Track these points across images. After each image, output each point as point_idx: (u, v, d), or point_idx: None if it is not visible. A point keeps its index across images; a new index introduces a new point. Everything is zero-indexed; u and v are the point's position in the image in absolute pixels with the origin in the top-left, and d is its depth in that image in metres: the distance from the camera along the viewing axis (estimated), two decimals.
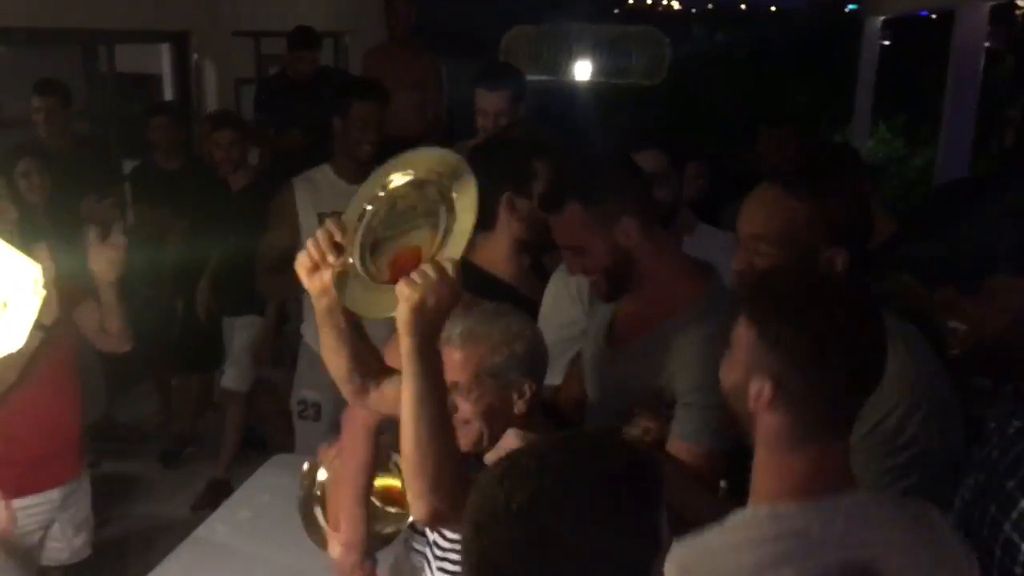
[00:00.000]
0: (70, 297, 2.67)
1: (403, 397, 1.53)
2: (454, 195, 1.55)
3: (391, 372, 1.77)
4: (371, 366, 1.78)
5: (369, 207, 1.61)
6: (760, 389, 1.29)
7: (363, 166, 3.27)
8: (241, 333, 4.30)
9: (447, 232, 1.55)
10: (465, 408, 1.75)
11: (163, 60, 5.95)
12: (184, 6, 5.59)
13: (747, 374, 1.32)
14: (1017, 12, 4.42)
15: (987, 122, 4.77)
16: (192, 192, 4.36)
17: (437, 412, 1.53)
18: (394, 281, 1.52)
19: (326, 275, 1.61)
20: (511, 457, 1.13)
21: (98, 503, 3.02)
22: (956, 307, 1.42)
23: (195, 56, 5.93)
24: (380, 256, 1.59)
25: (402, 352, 1.52)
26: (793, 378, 1.28)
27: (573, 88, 6.94)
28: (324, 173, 3.30)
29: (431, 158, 1.62)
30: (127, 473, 4.46)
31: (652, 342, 1.85)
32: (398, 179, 1.61)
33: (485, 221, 2.22)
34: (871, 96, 7.94)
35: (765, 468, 1.34)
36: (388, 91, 3.45)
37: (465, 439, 1.72)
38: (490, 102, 3.19)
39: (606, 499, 1.04)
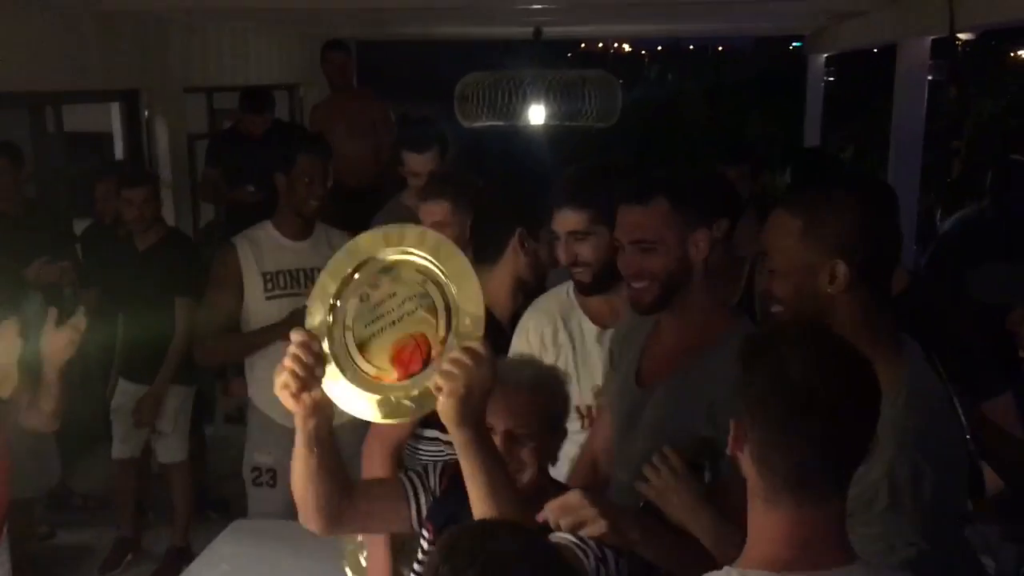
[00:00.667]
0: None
1: (473, 494, 1.46)
2: (440, 269, 1.47)
3: (370, 487, 1.77)
4: (346, 486, 1.67)
5: (335, 306, 1.52)
6: (735, 431, 1.24)
7: (307, 222, 3.24)
8: (166, 403, 4.06)
9: (451, 309, 1.45)
10: (523, 454, 1.71)
11: (113, 118, 5.88)
12: (134, 64, 5.55)
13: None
14: (958, 44, 4.54)
15: (934, 153, 4.85)
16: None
17: (510, 493, 1.48)
18: (404, 376, 1.43)
19: (316, 393, 1.48)
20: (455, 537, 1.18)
21: (53, 575, 2.90)
22: None
23: (146, 113, 5.88)
24: (369, 355, 1.48)
25: (458, 447, 1.45)
26: (756, 431, 1.21)
27: (528, 132, 6.98)
28: (266, 231, 3.25)
29: (392, 238, 1.53)
30: (83, 543, 4.32)
31: (685, 379, 1.85)
32: (366, 270, 1.53)
33: (490, 254, 2.31)
34: (819, 130, 8.09)
35: (749, 525, 1.26)
36: (330, 145, 3.44)
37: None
38: (420, 164, 3.23)
39: None
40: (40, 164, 5.61)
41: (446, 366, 1.40)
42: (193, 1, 5.03)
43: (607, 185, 2.13)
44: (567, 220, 2.16)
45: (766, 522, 1.22)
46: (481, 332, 1.44)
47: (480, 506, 1.47)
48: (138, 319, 3.95)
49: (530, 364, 1.90)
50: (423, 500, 1.78)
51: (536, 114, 6.79)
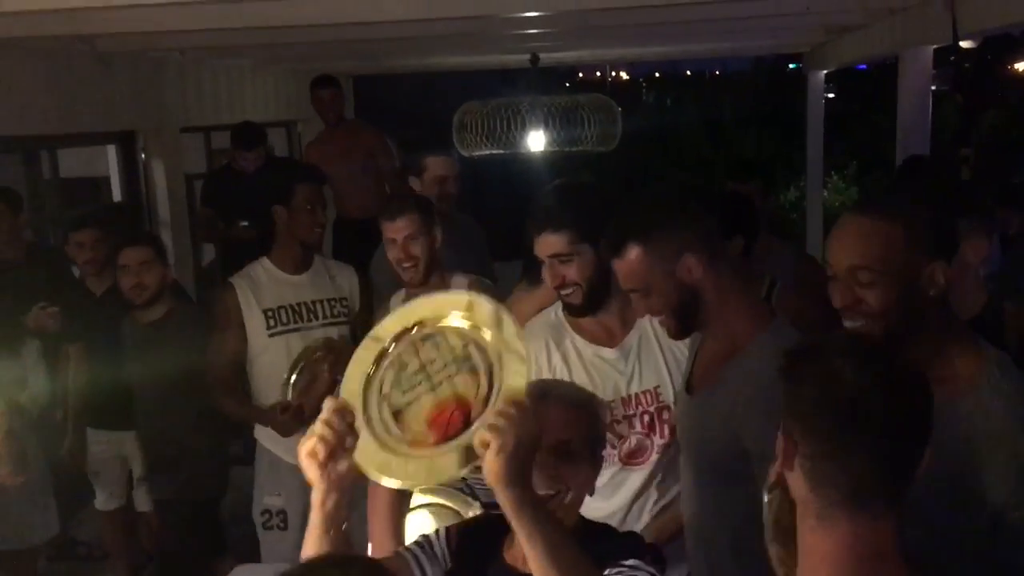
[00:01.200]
0: None
1: (534, 558, 1.35)
2: (485, 332, 1.42)
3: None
4: None
5: (371, 375, 1.47)
6: (785, 446, 1.20)
7: (307, 254, 3.18)
8: (124, 449, 3.95)
9: (492, 367, 1.39)
10: (568, 473, 1.64)
11: (110, 161, 5.84)
12: (130, 105, 5.52)
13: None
14: (960, 52, 4.50)
15: (941, 162, 4.78)
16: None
17: (574, 550, 1.37)
18: (442, 439, 1.36)
19: (342, 464, 1.41)
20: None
21: None
22: None
23: (143, 155, 5.84)
24: (405, 422, 1.43)
25: (509, 509, 1.36)
26: (807, 446, 1.16)
27: (527, 159, 6.94)
28: (264, 267, 3.20)
29: (430, 308, 1.50)
30: None
31: (719, 387, 1.88)
32: (406, 340, 1.48)
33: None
34: (821, 148, 8.04)
35: (800, 550, 1.21)
36: (324, 175, 3.43)
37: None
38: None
39: None
40: (36, 210, 5.58)
41: (494, 420, 1.33)
42: (187, 39, 4.98)
43: (584, 204, 2.14)
44: (548, 244, 2.13)
45: (821, 543, 1.16)
46: (523, 385, 1.37)
47: (542, 567, 1.36)
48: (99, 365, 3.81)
49: (568, 384, 1.94)
50: (432, 572, 1.67)
51: (535, 141, 6.76)
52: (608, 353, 2.19)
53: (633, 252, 1.88)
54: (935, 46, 4.70)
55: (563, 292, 2.17)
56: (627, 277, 1.92)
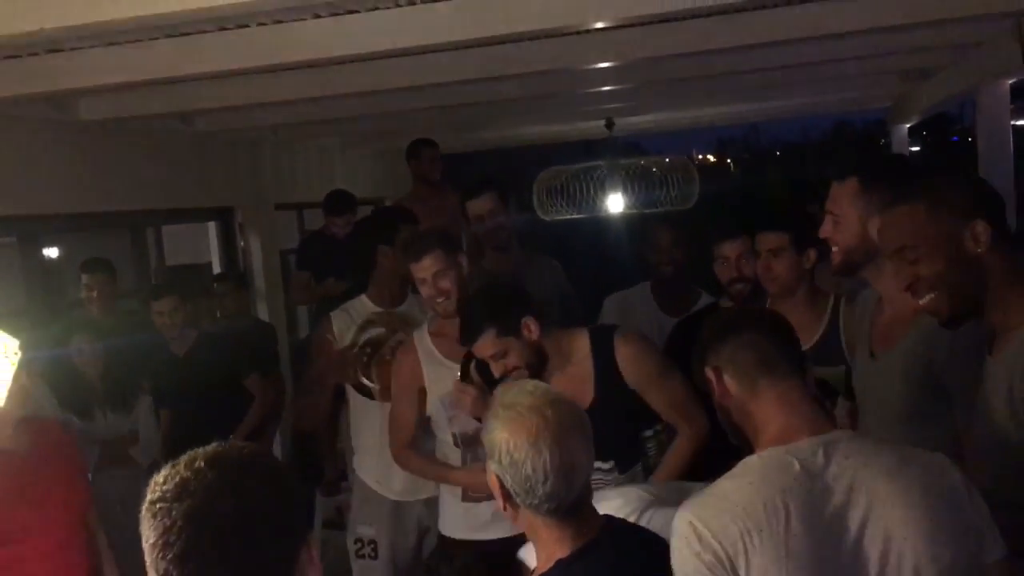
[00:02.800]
0: None
1: None
2: None
3: None
4: None
5: None
6: (715, 376, 1.69)
7: (403, 289, 3.31)
8: None
9: None
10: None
11: (210, 237, 6.18)
12: (228, 183, 5.88)
13: None
14: None
15: None
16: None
17: None
18: None
19: None
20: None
21: None
22: None
23: (240, 230, 6.18)
24: None
25: None
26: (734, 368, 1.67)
27: (607, 221, 7.03)
28: (362, 302, 3.35)
29: None
30: None
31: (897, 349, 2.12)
32: None
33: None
34: None
35: (753, 427, 1.66)
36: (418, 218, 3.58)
37: None
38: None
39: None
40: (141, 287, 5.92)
41: None
42: (278, 114, 5.31)
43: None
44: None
45: (761, 405, 1.62)
46: None
47: None
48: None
49: None
50: None
51: (614, 203, 6.87)
52: None
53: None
54: (1011, 80, 4.65)
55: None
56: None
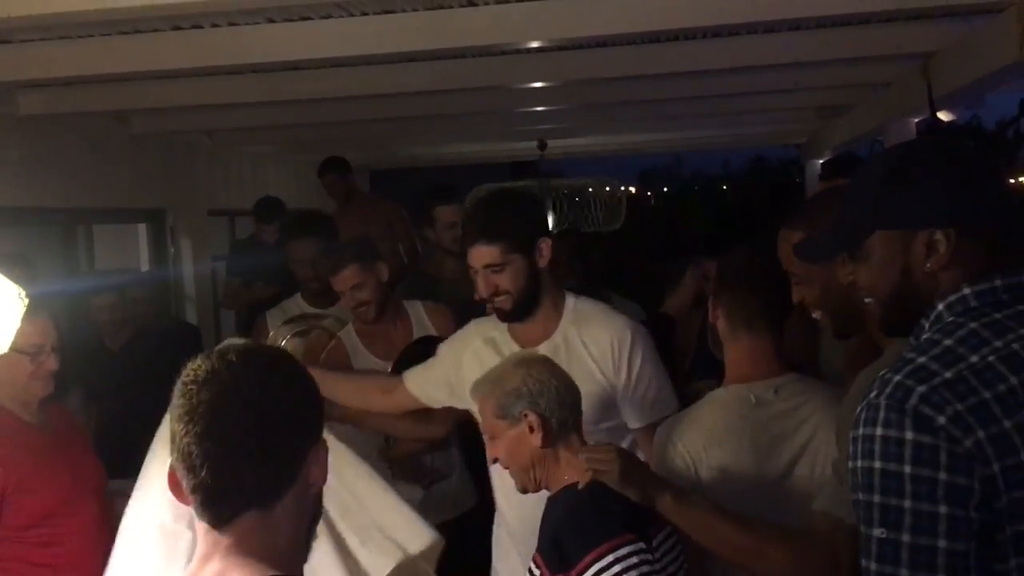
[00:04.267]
0: None
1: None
2: None
3: None
4: None
5: None
6: (712, 307, 2.17)
7: (328, 294, 3.40)
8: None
9: None
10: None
11: (139, 239, 6.14)
12: (161, 185, 5.87)
13: None
14: (942, 125, 4.78)
15: None
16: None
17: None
18: None
19: None
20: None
21: None
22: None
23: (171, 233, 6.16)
24: None
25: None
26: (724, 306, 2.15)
27: None
28: (296, 302, 3.48)
29: None
30: None
31: None
32: None
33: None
34: None
35: (726, 364, 2.15)
36: (330, 224, 3.70)
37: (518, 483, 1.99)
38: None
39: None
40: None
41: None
42: (214, 119, 5.35)
43: (516, 215, 2.38)
44: (481, 255, 2.33)
45: (736, 352, 2.12)
46: None
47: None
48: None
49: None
50: None
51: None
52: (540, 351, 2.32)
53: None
54: (917, 119, 4.99)
55: (496, 300, 2.37)
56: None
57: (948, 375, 1.18)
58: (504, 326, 2.45)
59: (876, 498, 1.17)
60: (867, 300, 1.42)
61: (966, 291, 1.27)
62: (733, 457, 2.00)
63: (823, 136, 7.56)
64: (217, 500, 1.15)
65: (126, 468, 4.04)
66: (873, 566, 1.17)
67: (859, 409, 1.22)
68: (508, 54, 4.07)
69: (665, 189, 24.37)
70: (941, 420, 1.14)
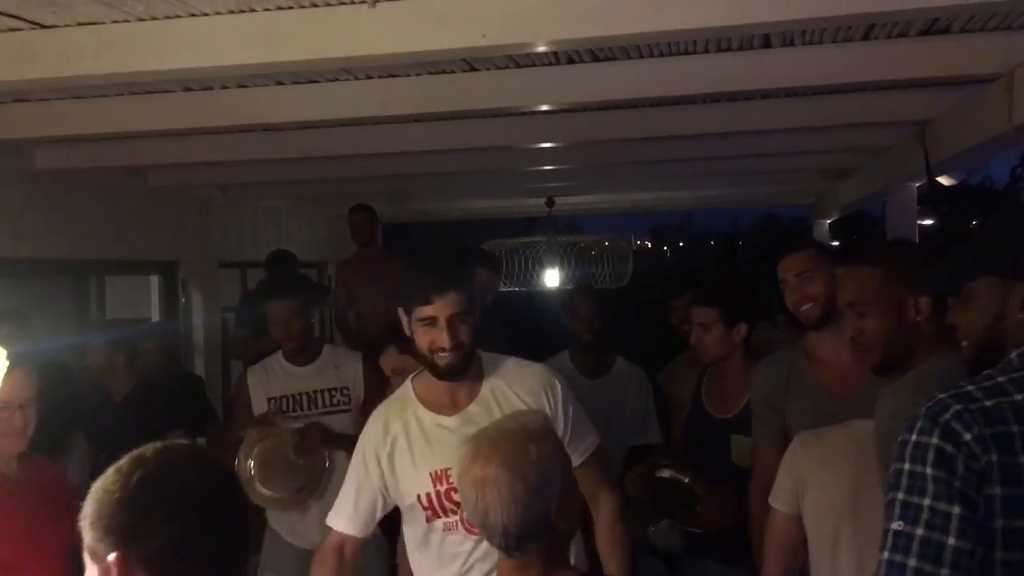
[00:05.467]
0: None
1: None
2: None
3: None
4: None
5: None
6: None
7: (306, 351, 3.47)
8: None
9: None
10: None
11: (151, 289, 6.24)
12: (173, 238, 5.98)
13: None
14: (942, 189, 4.88)
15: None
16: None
17: None
18: None
19: None
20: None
21: None
22: None
23: (182, 285, 6.25)
24: None
25: None
26: None
27: (542, 295, 7.27)
28: (277, 359, 3.54)
29: None
30: None
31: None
32: None
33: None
34: None
35: None
36: (301, 283, 3.77)
37: None
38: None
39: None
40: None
41: None
42: (232, 176, 5.47)
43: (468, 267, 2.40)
44: (451, 303, 2.21)
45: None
46: None
47: None
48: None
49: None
50: None
51: (551, 278, 7.13)
52: (448, 421, 2.28)
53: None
54: (917, 184, 5.04)
55: (451, 353, 2.33)
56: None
57: (988, 404, 1.30)
58: (413, 404, 2.33)
59: (900, 495, 1.29)
60: (963, 343, 1.57)
61: None
62: None
63: (830, 198, 7.62)
64: None
65: None
66: (885, 555, 1.28)
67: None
68: (512, 115, 4.17)
69: (680, 244, 24.40)
70: (967, 437, 1.27)
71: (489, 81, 3.35)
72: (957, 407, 1.30)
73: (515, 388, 2.30)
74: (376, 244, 6.10)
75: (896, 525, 1.27)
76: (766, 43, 3.13)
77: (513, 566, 1.62)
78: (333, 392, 3.45)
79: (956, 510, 1.24)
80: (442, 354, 2.21)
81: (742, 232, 18.31)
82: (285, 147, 4.39)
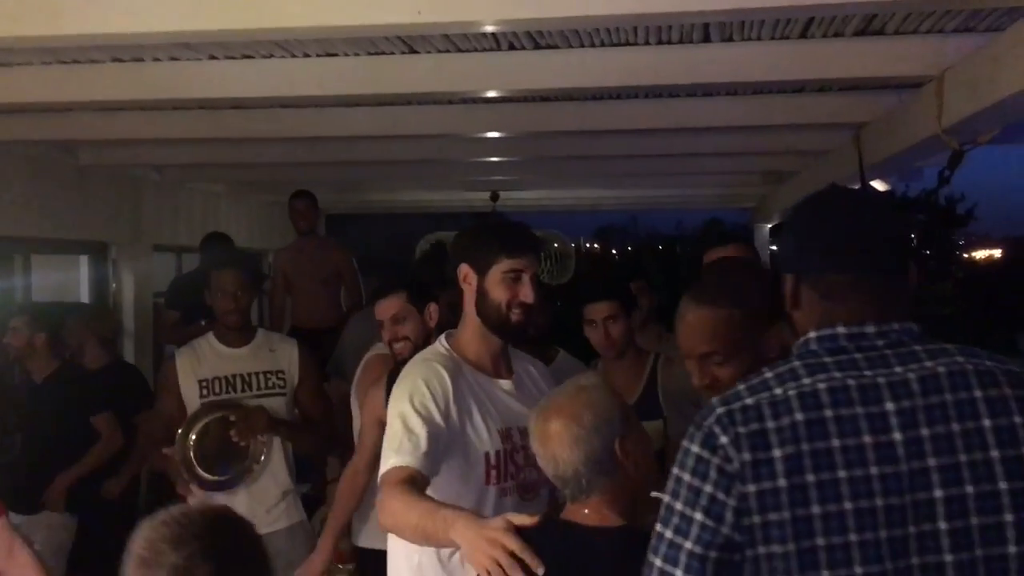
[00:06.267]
0: None
1: None
2: None
3: None
4: None
5: None
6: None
7: (241, 332, 3.38)
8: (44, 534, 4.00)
9: None
10: None
11: (80, 271, 6.06)
12: (106, 218, 5.82)
13: None
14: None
15: None
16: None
17: None
18: None
19: None
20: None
21: None
22: None
23: (113, 267, 6.09)
24: None
25: None
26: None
27: None
28: (208, 341, 3.42)
29: None
30: None
31: None
32: None
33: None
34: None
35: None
36: (250, 260, 3.67)
37: None
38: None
39: None
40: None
41: None
42: (168, 156, 5.35)
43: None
44: (535, 261, 2.23)
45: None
46: None
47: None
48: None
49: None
50: None
51: None
52: (505, 384, 2.25)
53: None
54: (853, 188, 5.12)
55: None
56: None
57: (749, 401, 1.30)
58: (461, 363, 2.21)
59: (666, 499, 1.32)
60: None
61: (811, 335, 1.36)
62: None
63: (770, 201, 7.72)
64: None
65: (32, 502, 4.02)
66: (648, 555, 1.32)
67: None
68: (454, 103, 4.14)
69: (629, 248, 24.64)
70: (723, 440, 1.28)
71: (429, 64, 3.31)
72: (720, 410, 1.30)
73: (535, 367, 2.37)
74: (316, 233, 6.01)
75: (659, 527, 1.31)
76: (706, 37, 3.15)
77: (587, 509, 1.73)
78: (268, 375, 3.37)
79: (698, 516, 1.26)
80: (518, 310, 2.16)
81: (685, 236, 18.52)
82: (221, 127, 4.29)
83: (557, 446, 1.72)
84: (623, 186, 7.75)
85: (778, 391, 1.29)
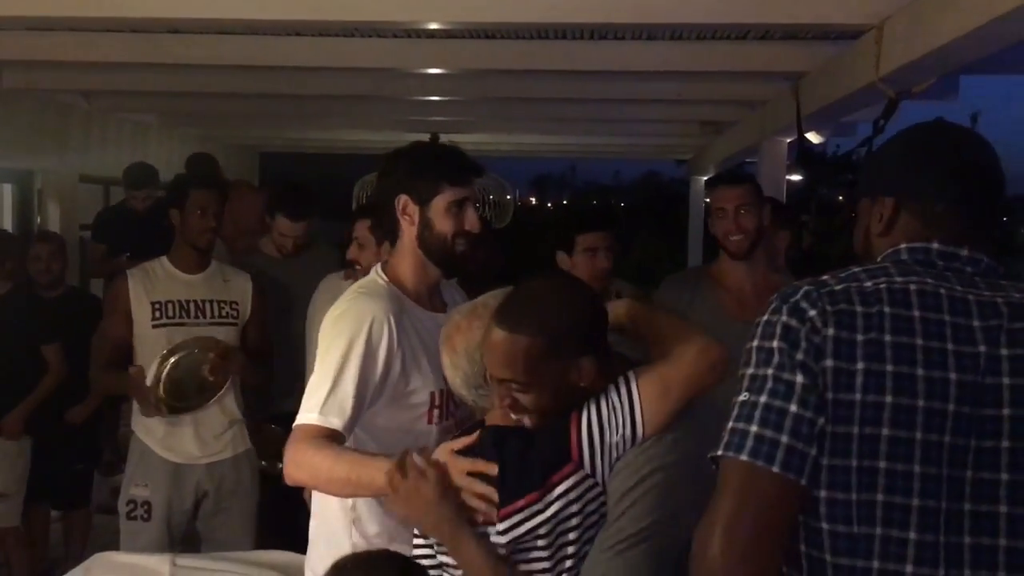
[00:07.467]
0: None
1: None
2: None
3: None
4: None
5: None
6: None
7: (201, 257, 3.32)
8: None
9: None
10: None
11: (4, 200, 5.87)
12: (31, 146, 5.62)
13: None
14: (809, 146, 5.05)
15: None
16: None
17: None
18: None
19: None
20: None
21: None
22: None
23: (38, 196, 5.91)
24: None
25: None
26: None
27: None
28: (161, 264, 3.33)
29: None
30: None
31: None
32: None
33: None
34: (701, 246, 8.61)
35: None
36: (227, 184, 3.60)
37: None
38: (291, 229, 3.80)
39: None
40: None
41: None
42: (97, 81, 5.17)
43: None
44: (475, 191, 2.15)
45: None
46: None
47: None
48: None
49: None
50: None
51: None
52: (441, 318, 2.10)
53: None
54: (789, 139, 5.20)
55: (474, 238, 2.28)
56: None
57: (837, 287, 1.32)
58: (402, 299, 2.11)
59: (749, 370, 1.31)
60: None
61: (902, 246, 1.40)
62: None
63: (707, 153, 7.81)
64: None
65: None
66: (729, 424, 1.29)
67: None
68: (398, 36, 4.07)
69: (565, 202, 24.76)
70: (812, 312, 1.30)
71: None
72: (807, 288, 1.32)
73: (459, 295, 2.29)
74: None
75: (743, 396, 1.30)
76: None
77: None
78: (222, 304, 3.31)
79: (799, 379, 1.26)
80: (462, 240, 2.08)
81: (624, 188, 18.68)
82: (153, 52, 4.15)
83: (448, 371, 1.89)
84: (563, 132, 7.76)
85: (868, 283, 1.31)
